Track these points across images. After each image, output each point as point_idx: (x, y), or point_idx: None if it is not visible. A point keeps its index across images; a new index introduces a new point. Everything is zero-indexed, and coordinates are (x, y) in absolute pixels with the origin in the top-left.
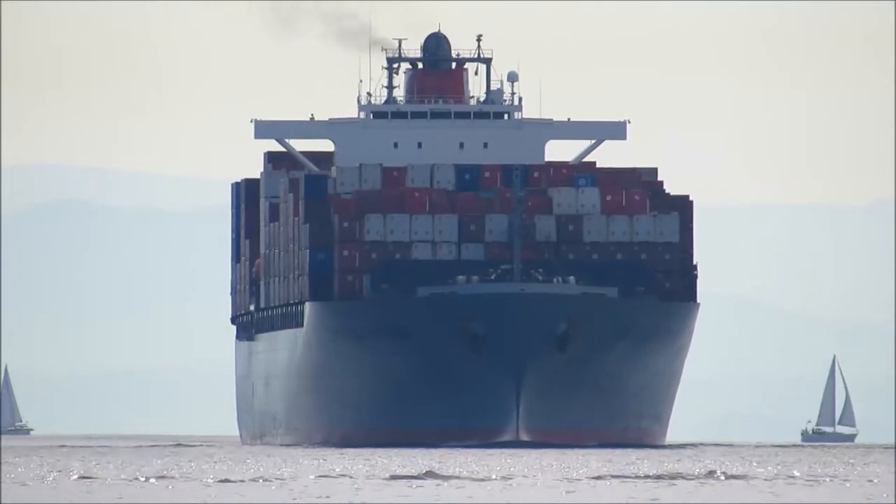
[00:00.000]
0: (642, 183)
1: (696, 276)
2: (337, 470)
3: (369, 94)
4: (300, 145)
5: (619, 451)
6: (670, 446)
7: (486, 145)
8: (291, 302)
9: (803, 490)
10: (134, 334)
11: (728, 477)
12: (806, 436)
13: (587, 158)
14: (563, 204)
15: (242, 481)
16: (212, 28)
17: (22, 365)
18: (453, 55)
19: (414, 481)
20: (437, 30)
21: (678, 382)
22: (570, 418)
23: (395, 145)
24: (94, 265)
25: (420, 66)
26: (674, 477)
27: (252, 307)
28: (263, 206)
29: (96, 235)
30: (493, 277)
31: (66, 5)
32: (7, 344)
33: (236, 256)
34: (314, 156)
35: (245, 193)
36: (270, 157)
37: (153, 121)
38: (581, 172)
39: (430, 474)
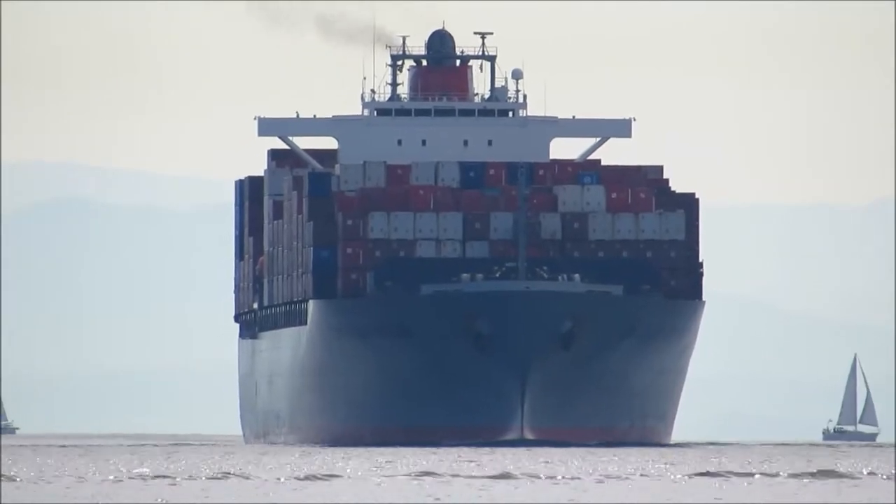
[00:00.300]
0: (648, 181)
1: (701, 274)
2: (347, 470)
3: (373, 91)
4: (304, 143)
5: (663, 451)
6: (688, 445)
7: (490, 143)
8: (295, 300)
9: None
10: (135, 334)
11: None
12: (827, 434)
13: (592, 156)
14: (569, 202)
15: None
16: (212, 27)
17: (22, 364)
18: (457, 52)
19: (416, 480)
20: (441, 27)
21: (683, 381)
22: (574, 417)
23: (399, 143)
24: (95, 264)
25: (424, 63)
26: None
27: (255, 305)
28: (267, 203)
29: (97, 234)
30: (497, 275)
31: (66, 5)
32: (7, 343)
33: (240, 254)
34: (318, 153)
35: (249, 191)
36: (274, 155)
37: (154, 120)
38: (586, 170)
39: (429, 473)
